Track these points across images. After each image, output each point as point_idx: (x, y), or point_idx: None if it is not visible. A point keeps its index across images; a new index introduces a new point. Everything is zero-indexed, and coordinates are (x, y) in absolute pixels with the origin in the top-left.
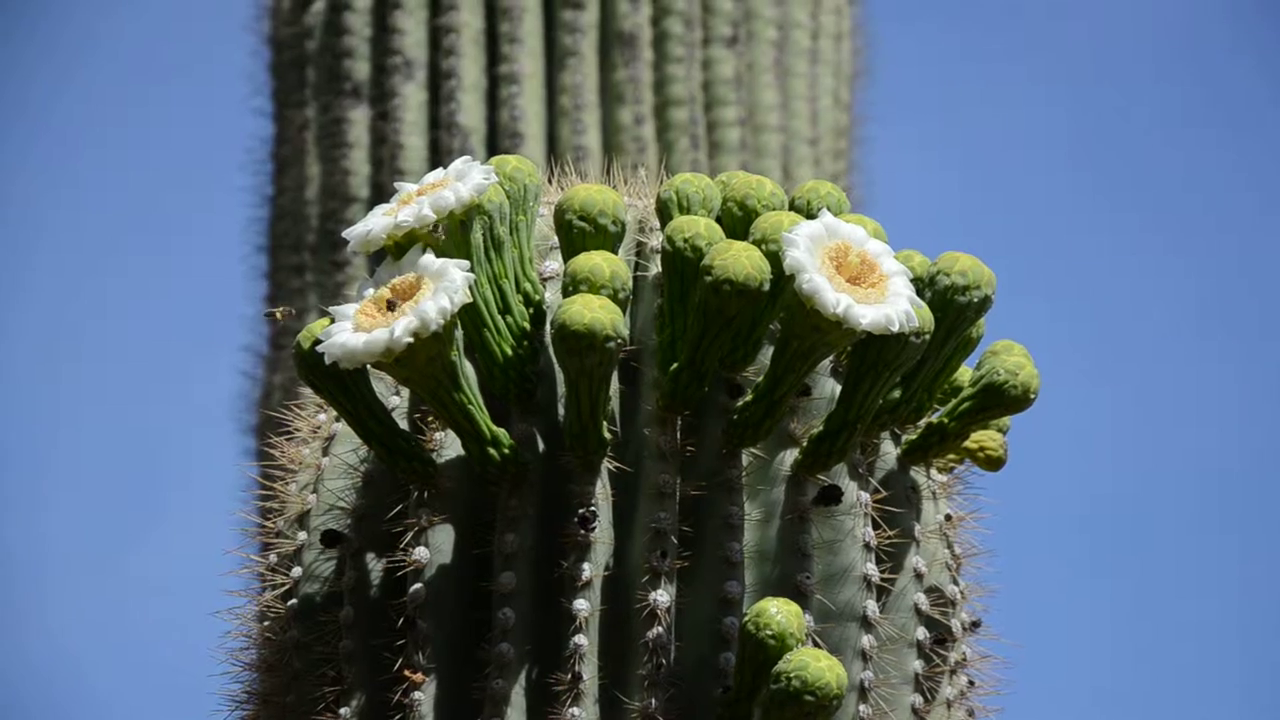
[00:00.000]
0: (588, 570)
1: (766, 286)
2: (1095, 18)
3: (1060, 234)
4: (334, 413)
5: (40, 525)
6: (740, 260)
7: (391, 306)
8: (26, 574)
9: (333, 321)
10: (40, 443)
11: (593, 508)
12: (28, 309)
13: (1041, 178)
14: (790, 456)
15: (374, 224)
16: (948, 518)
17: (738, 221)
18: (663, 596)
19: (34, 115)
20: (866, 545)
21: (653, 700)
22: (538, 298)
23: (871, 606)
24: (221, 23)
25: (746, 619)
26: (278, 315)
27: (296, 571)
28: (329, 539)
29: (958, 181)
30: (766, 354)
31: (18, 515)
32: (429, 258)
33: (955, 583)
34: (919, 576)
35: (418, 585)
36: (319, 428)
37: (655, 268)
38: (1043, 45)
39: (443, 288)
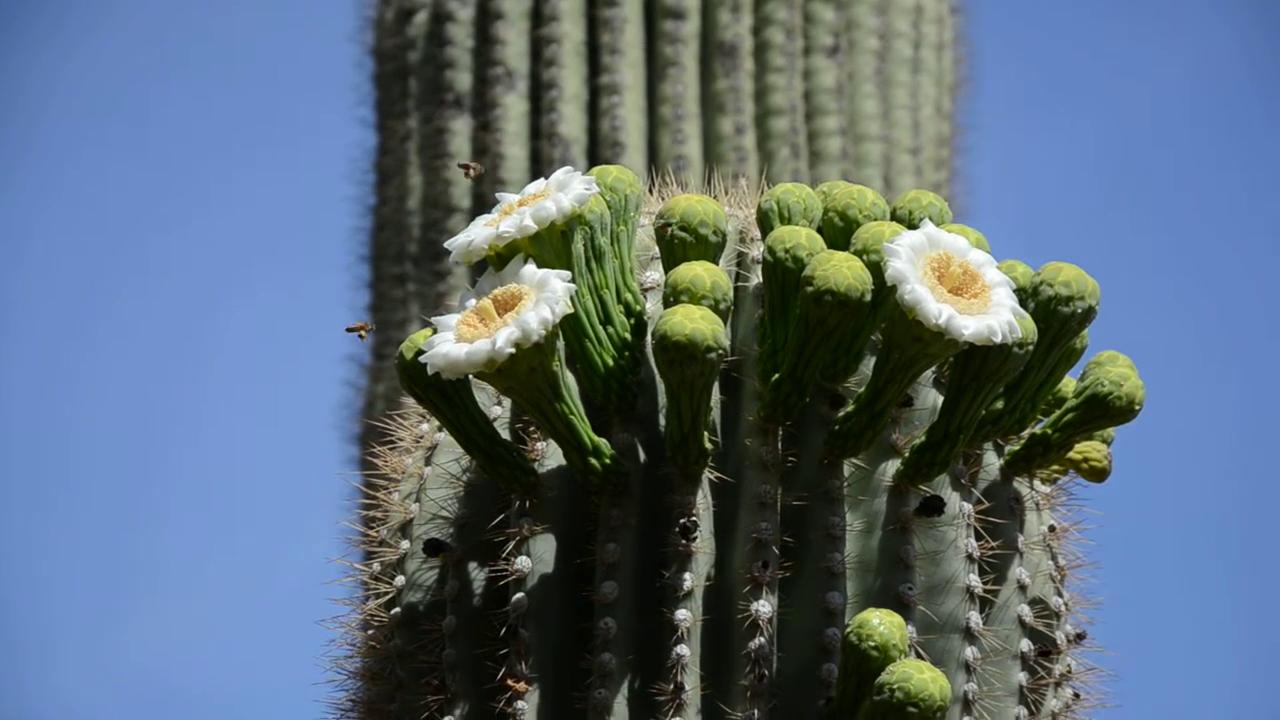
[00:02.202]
0: (689, 580)
1: (868, 297)
2: (1209, 31)
3: (1165, 243)
4: (436, 422)
5: (144, 529)
6: (841, 271)
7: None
8: (130, 582)
9: (435, 332)
10: (145, 450)
11: (694, 518)
12: (129, 320)
13: (1146, 187)
14: (892, 467)
15: (475, 234)
16: (1051, 529)
17: (839, 232)
18: (765, 607)
19: (143, 127)
20: (969, 556)
21: (755, 711)
22: (639, 308)
23: (975, 618)
24: (326, 34)
25: (849, 630)
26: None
27: (399, 580)
28: (431, 548)
29: (1061, 191)
30: (868, 365)
31: (121, 521)
32: (530, 268)
33: (1059, 594)
34: (1022, 588)
35: (520, 594)
36: (421, 437)
37: (756, 278)
38: (1148, 55)
39: (544, 298)
